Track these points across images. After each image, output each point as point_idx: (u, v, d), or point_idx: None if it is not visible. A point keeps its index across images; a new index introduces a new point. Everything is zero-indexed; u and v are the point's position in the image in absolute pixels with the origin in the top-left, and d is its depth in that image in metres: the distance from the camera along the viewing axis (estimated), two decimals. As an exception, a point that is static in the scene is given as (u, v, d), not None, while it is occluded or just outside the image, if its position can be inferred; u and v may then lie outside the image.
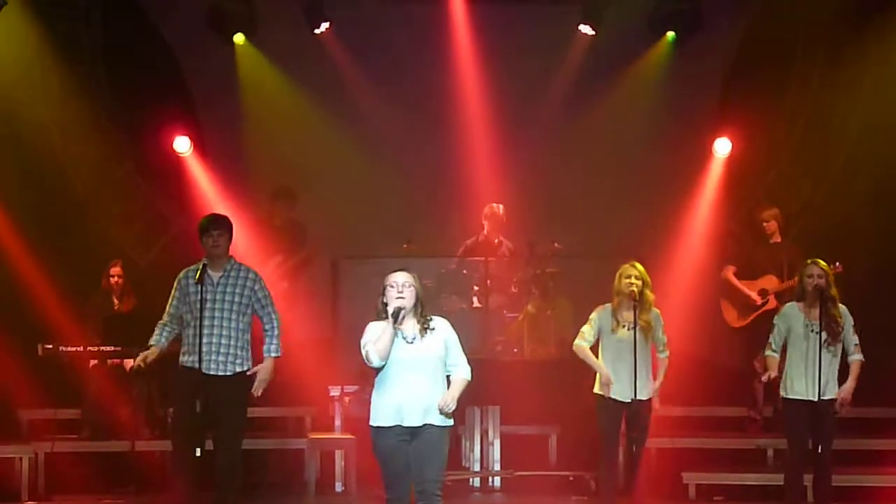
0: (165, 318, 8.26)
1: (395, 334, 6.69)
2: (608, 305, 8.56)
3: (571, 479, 10.15)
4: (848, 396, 8.22)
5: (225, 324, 8.08)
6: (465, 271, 11.33)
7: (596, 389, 8.52)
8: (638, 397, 8.35)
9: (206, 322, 7.97)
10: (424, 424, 6.68)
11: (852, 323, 8.28)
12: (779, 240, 10.77)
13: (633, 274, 8.46)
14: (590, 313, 8.63)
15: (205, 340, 7.93)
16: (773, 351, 8.36)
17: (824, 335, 8.15)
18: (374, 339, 6.69)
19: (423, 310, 6.81)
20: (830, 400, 8.20)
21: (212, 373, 7.99)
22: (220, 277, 8.11)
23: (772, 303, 10.50)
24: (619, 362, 8.45)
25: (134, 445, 9.82)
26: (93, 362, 10.15)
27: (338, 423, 10.41)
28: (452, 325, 6.91)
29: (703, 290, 11.22)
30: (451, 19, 12.22)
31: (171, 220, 12.26)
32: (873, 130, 11.68)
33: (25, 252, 10.93)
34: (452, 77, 12.17)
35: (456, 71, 12.19)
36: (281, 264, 11.32)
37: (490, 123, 12.03)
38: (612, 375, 8.44)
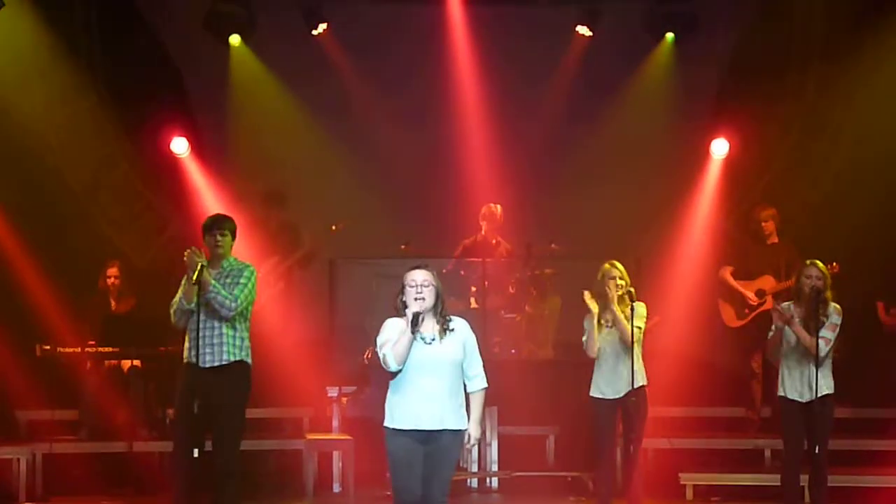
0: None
1: (415, 339, 6.51)
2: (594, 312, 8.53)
3: (569, 479, 10.16)
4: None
5: (207, 317, 8.04)
6: (462, 272, 11.35)
7: (591, 392, 8.53)
8: (635, 386, 8.33)
9: (203, 318, 7.94)
10: (441, 430, 6.52)
11: (836, 322, 8.22)
12: (776, 240, 10.77)
13: (616, 275, 8.45)
14: (585, 314, 8.63)
15: (202, 335, 7.92)
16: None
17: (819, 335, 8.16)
18: (392, 341, 6.51)
19: (443, 308, 6.62)
20: (824, 397, 8.20)
21: (208, 365, 7.96)
22: (217, 274, 8.09)
23: (769, 303, 10.50)
24: (614, 360, 8.45)
25: (132, 446, 9.84)
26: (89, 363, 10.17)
27: (335, 424, 10.42)
28: (471, 326, 6.72)
29: (700, 291, 11.22)
30: (448, 20, 12.23)
31: (169, 221, 12.25)
32: (870, 131, 11.69)
33: (23, 253, 10.92)
34: (450, 78, 12.18)
35: (453, 72, 12.21)
36: (277, 266, 11.33)
37: (488, 124, 12.04)
38: (609, 375, 8.45)
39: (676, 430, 10.62)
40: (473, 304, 11.23)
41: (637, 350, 8.42)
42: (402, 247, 11.25)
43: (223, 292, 7.94)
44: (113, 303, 10.66)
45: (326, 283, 11.77)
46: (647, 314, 8.47)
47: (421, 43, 12.13)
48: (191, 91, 12.33)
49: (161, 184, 12.15)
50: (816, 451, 8.17)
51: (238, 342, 8.11)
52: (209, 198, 11.66)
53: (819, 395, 8.15)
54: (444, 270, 11.31)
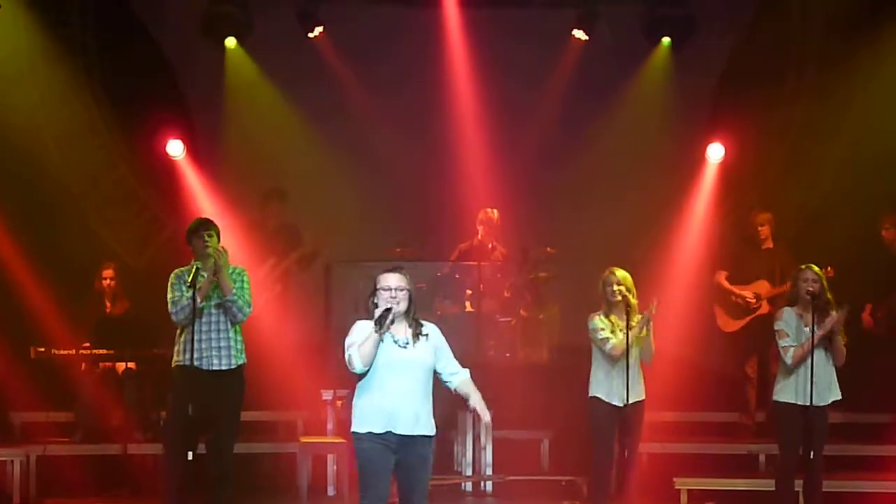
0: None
1: (382, 339, 6.43)
2: (600, 313, 8.56)
3: (564, 483, 10.14)
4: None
5: (214, 319, 8.05)
6: (457, 276, 11.35)
7: (591, 392, 8.53)
8: (630, 401, 8.36)
9: (198, 320, 7.94)
10: (416, 435, 6.43)
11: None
12: (771, 245, 10.78)
13: (614, 281, 8.47)
14: (582, 318, 8.63)
15: (196, 338, 7.92)
16: (792, 342, 8.29)
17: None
18: (360, 342, 6.43)
19: (415, 312, 6.56)
20: (823, 406, 8.21)
21: (205, 368, 7.97)
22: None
23: (764, 307, 10.51)
24: (613, 367, 8.46)
25: (126, 449, 9.83)
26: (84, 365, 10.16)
27: (330, 426, 10.41)
28: (442, 331, 6.67)
29: (695, 295, 11.22)
30: (444, 23, 12.21)
31: (164, 223, 12.25)
32: (866, 136, 11.71)
33: (18, 254, 10.91)
34: (446, 81, 12.16)
35: (449, 75, 12.19)
36: (274, 268, 11.31)
37: (484, 128, 12.03)
38: (608, 381, 8.46)
39: (671, 434, 10.61)
40: (468, 308, 11.23)
41: (637, 357, 8.47)
42: (398, 250, 11.25)
43: (245, 296, 7.99)
44: (108, 305, 10.65)
45: (322, 286, 11.77)
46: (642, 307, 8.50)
47: (417, 46, 12.11)
48: (187, 93, 12.32)
49: (157, 186, 12.16)
50: (812, 456, 8.19)
51: (241, 346, 8.20)
52: (205, 200, 11.65)
53: (820, 402, 8.17)
54: (439, 274, 11.34)
